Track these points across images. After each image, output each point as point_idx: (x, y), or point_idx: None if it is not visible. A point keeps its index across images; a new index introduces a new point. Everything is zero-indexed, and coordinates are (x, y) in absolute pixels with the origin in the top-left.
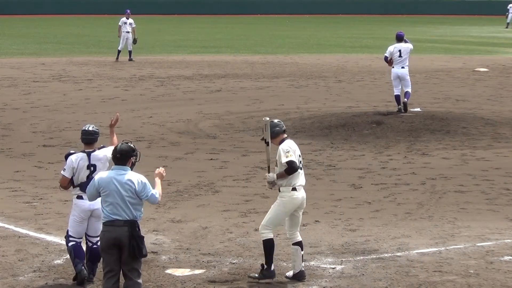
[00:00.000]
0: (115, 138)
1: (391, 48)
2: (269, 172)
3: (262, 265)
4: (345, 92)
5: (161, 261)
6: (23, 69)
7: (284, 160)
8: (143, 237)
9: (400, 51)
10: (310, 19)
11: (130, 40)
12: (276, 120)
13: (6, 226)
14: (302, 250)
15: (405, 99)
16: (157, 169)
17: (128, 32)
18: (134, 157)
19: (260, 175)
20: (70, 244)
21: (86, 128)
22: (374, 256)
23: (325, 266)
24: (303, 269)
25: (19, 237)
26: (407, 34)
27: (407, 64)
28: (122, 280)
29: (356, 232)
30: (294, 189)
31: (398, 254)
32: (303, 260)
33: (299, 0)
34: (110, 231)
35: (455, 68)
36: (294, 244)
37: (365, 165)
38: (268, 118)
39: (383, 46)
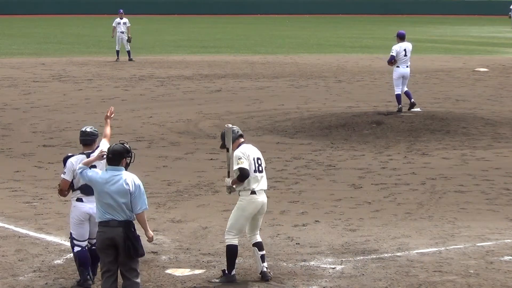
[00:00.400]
0: (108, 129)
1: (397, 47)
2: (228, 177)
3: (223, 271)
4: (345, 92)
5: (161, 261)
6: (23, 69)
7: (235, 167)
8: (139, 236)
9: (405, 50)
10: (310, 19)
11: (125, 40)
12: (233, 127)
13: (6, 226)
14: (260, 251)
15: (412, 100)
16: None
17: (122, 32)
18: (129, 158)
19: None
20: (75, 250)
21: (84, 129)
22: (374, 256)
23: (325, 266)
24: (265, 269)
25: (19, 237)
26: (407, 34)
27: (409, 63)
28: (121, 279)
29: (356, 232)
30: (253, 192)
31: (398, 254)
32: (263, 261)
33: (299, 0)
34: (105, 232)
35: (455, 68)
36: (253, 245)
37: (365, 165)
38: (230, 125)
39: (383, 46)
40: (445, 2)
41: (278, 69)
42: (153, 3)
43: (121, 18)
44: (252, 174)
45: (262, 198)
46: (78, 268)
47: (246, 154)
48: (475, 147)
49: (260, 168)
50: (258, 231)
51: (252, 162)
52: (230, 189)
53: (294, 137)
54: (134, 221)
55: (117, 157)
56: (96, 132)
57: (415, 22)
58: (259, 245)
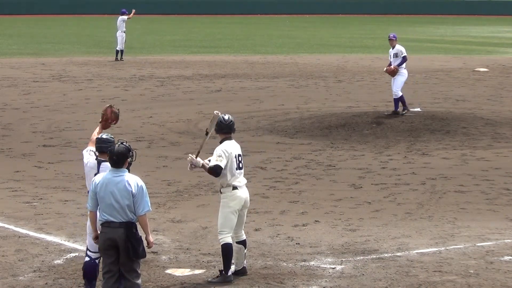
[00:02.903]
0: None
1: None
2: (196, 157)
3: (220, 271)
4: (345, 92)
5: (161, 261)
6: (23, 69)
7: (212, 162)
8: (140, 238)
9: None
10: (310, 19)
11: (124, 40)
12: (225, 115)
13: (6, 226)
14: (245, 249)
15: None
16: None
17: (124, 31)
18: (130, 158)
19: (260, 175)
20: (85, 259)
21: (100, 136)
22: (374, 256)
23: (325, 266)
24: (245, 265)
25: (19, 237)
26: (407, 34)
27: None
28: None
29: (356, 232)
30: (235, 188)
31: (398, 254)
32: (245, 258)
33: (299, 0)
34: (107, 232)
35: (455, 68)
36: (238, 242)
37: (365, 165)
38: (219, 113)
39: (383, 46)
40: (445, 2)
41: (278, 69)
42: (153, 3)
43: (126, 17)
44: (234, 171)
45: (244, 192)
46: (83, 278)
47: (228, 152)
48: (475, 147)
49: (241, 165)
50: (243, 228)
51: (234, 160)
52: (193, 167)
53: (294, 137)
54: (136, 222)
55: (122, 159)
56: (112, 139)
57: (415, 22)
58: (245, 243)
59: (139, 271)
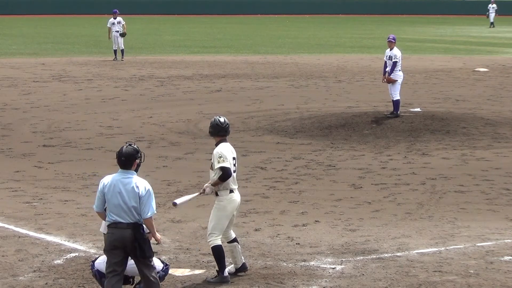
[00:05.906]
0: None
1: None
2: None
3: (217, 271)
4: (345, 92)
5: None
6: (23, 69)
7: (216, 165)
8: (147, 238)
9: None
10: (310, 19)
11: (121, 39)
12: (220, 118)
13: (6, 226)
14: (239, 244)
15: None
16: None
17: (118, 31)
18: (139, 159)
19: (260, 175)
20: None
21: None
22: (374, 256)
23: (325, 266)
24: (243, 261)
25: (19, 237)
26: (407, 34)
27: None
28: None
29: (356, 232)
30: (231, 191)
31: (398, 254)
32: (241, 254)
33: (299, 0)
34: (114, 233)
35: (455, 68)
36: (230, 242)
37: (365, 165)
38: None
39: (383, 46)
40: (445, 2)
41: (278, 69)
42: (153, 3)
43: (115, 18)
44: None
45: (238, 196)
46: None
47: (226, 153)
48: (475, 147)
49: (235, 168)
50: (231, 229)
51: (232, 162)
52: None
53: (294, 137)
54: (143, 224)
55: (130, 159)
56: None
57: (415, 22)
58: (236, 240)
59: (152, 263)
